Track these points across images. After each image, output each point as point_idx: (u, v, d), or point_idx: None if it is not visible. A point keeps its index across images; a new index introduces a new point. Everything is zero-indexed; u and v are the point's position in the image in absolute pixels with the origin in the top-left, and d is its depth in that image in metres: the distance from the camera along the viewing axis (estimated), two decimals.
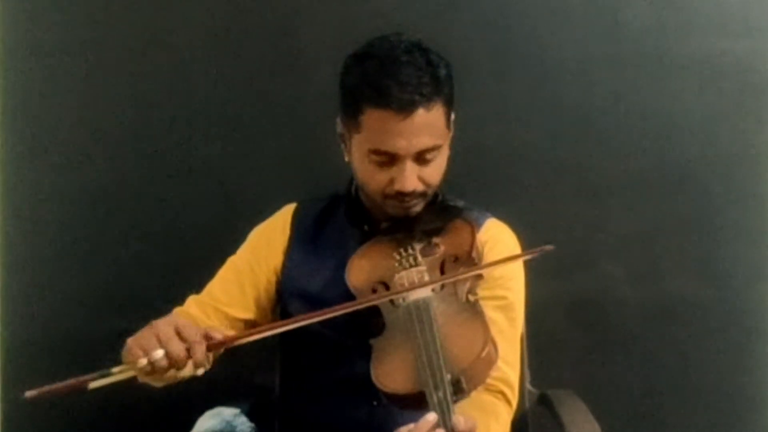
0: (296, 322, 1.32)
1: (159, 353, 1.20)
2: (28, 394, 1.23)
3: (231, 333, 1.37)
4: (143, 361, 1.20)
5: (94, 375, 1.23)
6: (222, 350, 1.28)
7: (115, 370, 1.24)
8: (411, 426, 1.16)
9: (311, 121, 2.03)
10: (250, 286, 1.55)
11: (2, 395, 2.16)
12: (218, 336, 1.26)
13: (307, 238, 1.56)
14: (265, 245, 1.58)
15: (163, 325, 1.23)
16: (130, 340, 1.26)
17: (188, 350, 1.21)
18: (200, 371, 1.24)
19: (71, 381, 1.23)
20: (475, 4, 2.07)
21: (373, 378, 1.25)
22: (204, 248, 2.04)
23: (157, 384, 1.35)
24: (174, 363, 1.21)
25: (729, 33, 2.05)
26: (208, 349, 1.23)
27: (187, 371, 1.25)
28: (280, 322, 1.32)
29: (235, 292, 1.54)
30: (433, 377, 1.17)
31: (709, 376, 2.09)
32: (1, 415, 2.16)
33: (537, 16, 2.07)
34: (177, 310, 1.54)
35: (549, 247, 1.33)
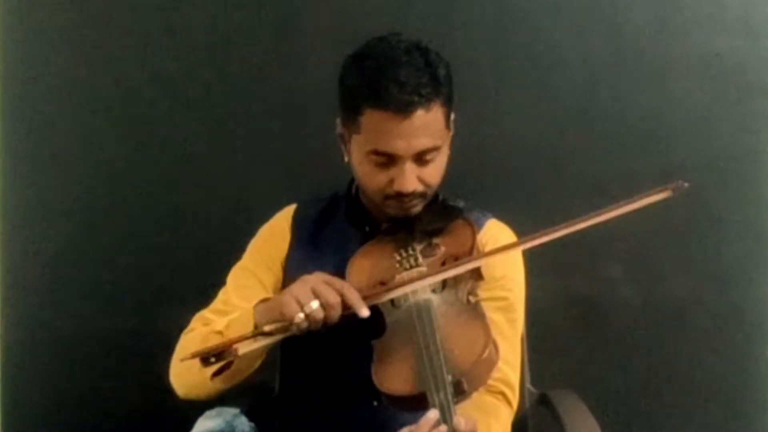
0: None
1: (315, 304, 1.26)
2: (182, 357, 1.30)
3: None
4: (301, 315, 1.25)
5: (245, 335, 1.28)
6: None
7: (267, 328, 1.28)
8: (412, 427, 1.17)
9: (311, 121, 2.03)
10: (269, 282, 1.54)
11: (2, 395, 2.16)
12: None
13: (307, 238, 1.56)
14: (272, 245, 1.58)
15: (311, 278, 1.30)
16: (281, 296, 1.30)
17: (342, 297, 1.27)
18: (364, 311, 1.28)
19: (223, 342, 1.28)
20: (474, 4, 2.06)
21: (374, 379, 1.25)
22: (204, 248, 2.05)
23: (236, 380, 1.39)
24: (330, 311, 1.27)
25: (729, 33, 2.05)
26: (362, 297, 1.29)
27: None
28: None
29: (257, 293, 1.51)
30: (434, 378, 1.18)
31: (709, 376, 2.09)
32: (1, 415, 2.16)
33: (537, 16, 2.07)
34: (188, 329, 1.51)
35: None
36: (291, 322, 1.26)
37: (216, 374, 1.37)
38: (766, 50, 2.05)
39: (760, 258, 2.08)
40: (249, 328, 1.31)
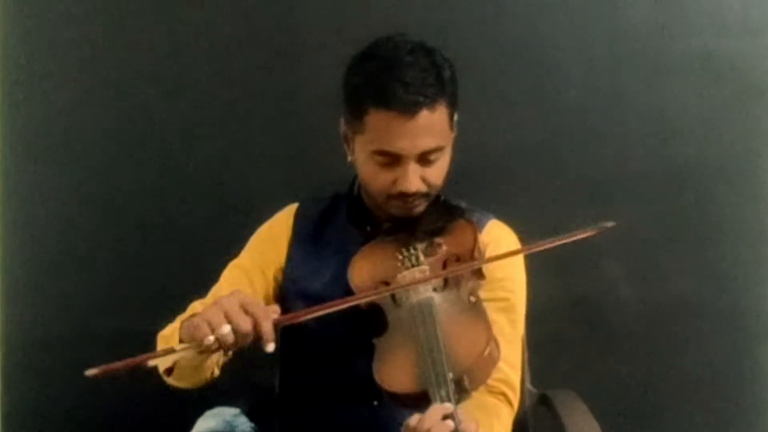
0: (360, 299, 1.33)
1: (226, 328, 1.21)
2: (89, 372, 1.22)
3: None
4: (211, 338, 1.21)
5: (157, 352, 1.27)
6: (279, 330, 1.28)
7: (178, 347, 1.25)
8: (416, 417, 1.16)
9: (312, 121, 2.03)
10: (260, 286, 1.54)
11: (2, 395, 2.16)
12: (277, 314, 1.26)
13: (308, 238, 1.56)
14: (270, 245, 1.58)
15: (229, 300, 1.24)
16: (195, 318, 1.26)
17: (255, 326, 1.22)
18: (270, 347, 1.23)
19: (132, 359, 1.24)
20: (475, 4, 2.07)
21: (376, 377, 1.25)
22: (204, 248, 2.05)
23: (186, 382, 1.39)
24: (241, 338, 1.22)
25: (729, 33, 2.05)
26: (274, 324, 1.24)
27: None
28: (342, 300, 1.32)
29: (247, 292, 1.52)
30: (435, 376, 1.17)
31: (709, 376, 2.09)
32: (1, 415, 2.16)
33: (537, 17, 2.07)
34: (182, 317, 1.52)
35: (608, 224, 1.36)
36: (201, 344, 1.22)
37: (168, 373, 1.38)
38: (766, 50, 2.06)
39: (760, 258, 2.08)
40: (176, 341, 1.31)
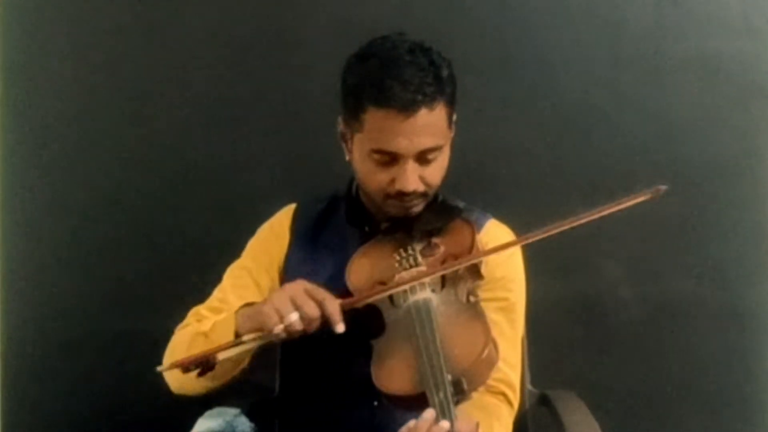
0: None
1: (294, 315, 1.25)
2: (160, 368, 1.30)
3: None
4: (280, 326, 1.25)
5: (225, 344, 1.28)
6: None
7: (246, 338, 1.28)
8: (411, 423, 1.16)
9: (311, 121, 2.03)
10: (265, 285, 1.54)
11: (2, 395, 2.16)
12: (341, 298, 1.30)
13: (306, 238, 1.56)
14: (271, 245, 1.58)
15: (293, 288, 1.29)
16: (262, 306, 1.30)
17: (321, 310, 1.26)
18: (340, 327, 1.27)
19: (203, 352, 1.28)
20: (475, 4, 2.07)
21: (374, 379, 1.25)
22: (204, 248, 2.05)
23: (221, 381, 1.39)
24: (308, 323, 1.26)
25: (729, 33, 2.05)
26: (340, 307, 1.28)
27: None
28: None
29: (252, 294, 1.52)
30: (433, 378, 1.18)
31: (709, 376, 2.09)
32: (1, 415, 2.16)
33: (537, 17, 2.07)
34: (183, 325, 1.52)
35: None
36: (270, 333, 1.26)
37: (201, 374, 1.37)
38: (766, 50, 2.05)
39: (760, 258, 2.08)
40: (230, 334, 1.32)
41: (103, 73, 2.12)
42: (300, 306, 1.26)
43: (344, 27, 2.02)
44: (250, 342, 1.29)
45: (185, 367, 1.29)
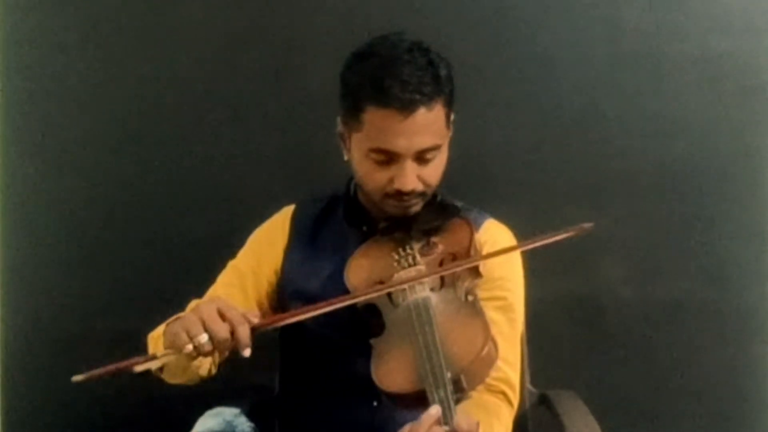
0: (329, 305, 1.32)
1: (204, 337, 1.22)
2: (75, 378, 1.23)
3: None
4: (189, 347, 1.22)
5: (140, 359, 1.26)
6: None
7: (159, 354, 1.27)
8: (414, 423, 1.16)
9: (311, 121, 2.03)
10: (252, 288, 1.55)
11: (2, 395, 2.16)
12: (256, 319, 1.27)
13: (305, 238, 1.56)
14: (266, 247, 1.58)
15: (206, 307, 1.25)
16: (174, 325, 1.28)
17: (232, 332, 1.23)
18: (246, 352, 1.25)
19: (118, 364, 1.24)
20: (475, 3, 2.07)
21: (374, 378, 1.25)
22: (204, 248, 2.04)
23: (179, 380, 1.40)
24: (218, 345, 1.23)
25: (729, 33, 2.05)
26: (252, 330, 1.25)
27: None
28: (314, 306, 1.33)
29: (238, 295, 1.53)
30: (433, 376, 1.17)
31: (709, 376, 2.09)
32: (1, 415, 2.16)
33: (537, 16, 2.07)
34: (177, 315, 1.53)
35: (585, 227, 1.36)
36: (180, 352, 1.24)
37: (160, 371, 1.39)
38: (766, 50, 2.05)
39: (760, 258, 2.08)
40: (161, 345, 1.33)
41: (102, 73, 2.12)
42: (209, 327, 1.22)
43: (344, 27, 2.02)
44: (163, 357, 1.26)
45: (100, 378, 1.24)
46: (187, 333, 1.22)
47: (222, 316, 1.23)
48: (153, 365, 1.27)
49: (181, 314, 1.47)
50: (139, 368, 1.25)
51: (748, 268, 2.08)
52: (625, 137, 2.07)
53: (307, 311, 1.32)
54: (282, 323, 1.33)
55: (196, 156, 2.11)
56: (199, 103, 2.11)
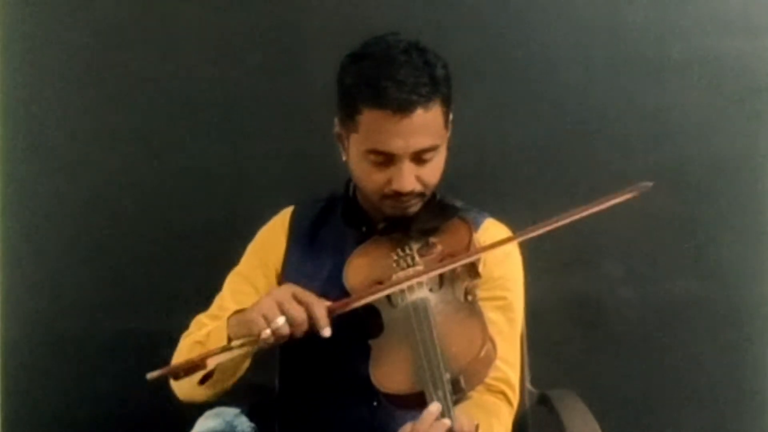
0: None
1: (281, 320, 1.25)
2: (150, 375, 1.26)
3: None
4: (267, 332, 1.25)
5: (215, 350, 1.28)
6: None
7: (235, 344, 1.28)
8: (415, 423, 1.16)
9: (311, 121, 2.03)
10: (263, 290, 1.53)
11: (2, 395, 2.16)
12: (329, 302, 1.30)
13: (304, 239, 1.56)
14: (268, 249, 1.58)
15: (280, 292, 1.29)
16: (247, 313, 1.30)
17: (308, 314, 1.26)
18: (326, 332, 1.27)
19: (191, 358, 1.28)
20: (473, 3, 2.07)
21: (373, 378, 1.25)
22: (204, 248, 2.05)
23: (222, 387, 1.41)
24: (296, 328, 1.26)
25: (729, 33, 2.05)
26: (328, 310, 1.28)
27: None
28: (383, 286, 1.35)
29: (251, 299, 1.49)
30: (431, 377, 1.18)
31: (709, 376, 2.09)
32: (1, 415, 2.17)
33: (536, 16, 2.07)
34: (187, 333, 1.52)
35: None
36: (258, 338, 1.26)
37: (202, 381, 1.38)
38: (766, 50, 2.05)
39: (760, 258, 2.08)
40: (223, 340, 1.32)
41: (102, 73, 2.12)
42: (287, 310, 1.26)
43: (344, 27, 2.02)
44: (239, 347, 1.28)
45: (175, 374, 1.29)
46: (265, 317, 1.25)
47: (297, 299, 1.27)
48: (228, 356, 1.29)
49: (205, 320, 1.49)
50: (212, 362, 1.28)
51: (748, 268, 2.08)
52: (625, 137, 2.07)
53: (378, 291, 1.33)
54: (356, 304, 1.33)
55: (195, 156, 2.11)
56: (199, 102, 2.11)
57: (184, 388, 1.41)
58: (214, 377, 1.38)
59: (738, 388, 2.09)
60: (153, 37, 2.11)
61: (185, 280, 2.03)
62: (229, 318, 1.36)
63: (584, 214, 1.37)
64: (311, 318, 1.27)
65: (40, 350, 2.15)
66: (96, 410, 2.11)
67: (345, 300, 1.34)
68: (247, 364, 1.42)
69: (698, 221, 2.07)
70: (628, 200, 1.39)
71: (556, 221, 1.37)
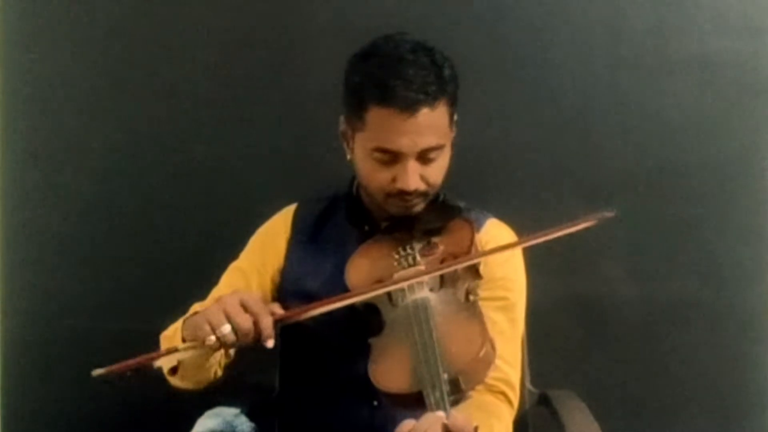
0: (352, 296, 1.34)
1: (227, 328, 1.24)
2: (96, 372, 1.26)
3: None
4: (212, 338, 1.24)
5: (161, 352, 1.29)
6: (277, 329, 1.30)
7: (180, 347, 1.28)
8: (412, 421, 1.16)
9: (311, 121, 2.03)
10: (257, 287, 1.55)
11: (2, 395, 2.16)
12: (279, 311, 1.29)
13: (307, 237, 1.56)
14: (268, 246, 1.58)
15: (229, 299, 1.27)
16: (196, 317, 1.29)
17: (255, 323, 1.25)
18: (270, 343, 1.27)
19: (138, 358, 1.27)
20: (476, 4, 2.07)
21: (372, 377, 1.25)
22: (204, 248, 2.05)
23: (189, 382, 1.41)
24: (241, 337, 1.25)
25: (729, 33, 2.05)
26: (275, 322, 1.27)
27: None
28: (340, 296, 1.34)
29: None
30: (430, 377, 1.17)
31: (709, 376, 2.09)
32: (1, 416, 2.17)
33: (537, 17, 2.07)
34: (184, 318, 1.53)
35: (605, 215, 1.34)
36: (203, 343, 1.25)
37: (172, 372, 1.40)
38: (766, 50, 2.05)
39: (760, 258, 2.07)
40: (178, 340, 1.33)
41: (102, 73, 2.12)
42: (232, 318, 1.25)
43: (344, 27, 2.02)
44: (183, 350, 1.28)
45: (121, 373, 1.27)
46: (210, 324, 1.24)
47: (245, 308, 1.26)
48: (173, 359, 1.29)
49: (198, 309, 1.48)
50: (158, 362, 1.28)
51: (748, 268, 2.07)
52: (624, 137, 2.07)
53: (330, 303, 1.33)
54: (304, 316, 1.33)
55: (196, 156, 2.11)
56: (200, 102, 2.11)
57: (169, 378, 1.43)
58: (180, 372, 1.39)
59: (738, 388, 2.09)
60: (153, 38, 2.11)
61: (185, 280, 2.02)
62: (185, 319, 1.37)
63: (550, 237, 1.36)
64: (257, 328, 1.26)
65: (40, 350, 2.15)
66: (96, 410, 2.11)
67: (295, 310, 1.34)
68: (217, 359, 1.42)
69: (698, 221, 2.07)
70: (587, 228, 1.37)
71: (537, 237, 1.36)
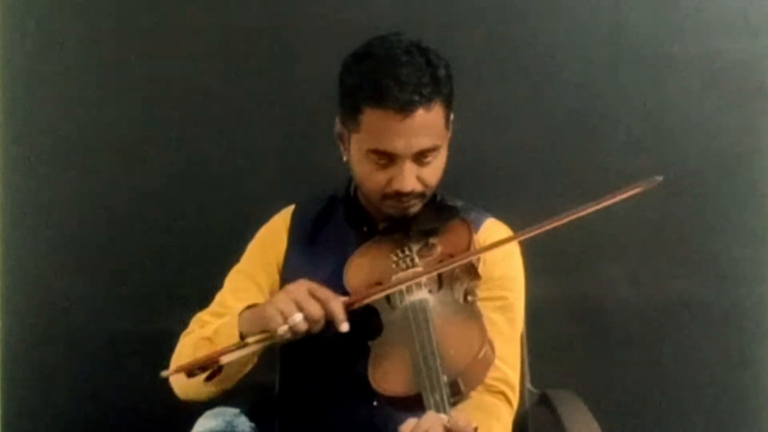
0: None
1: (298, 316, 1.26)
2: (165, 373, 1.30)
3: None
4: (284, 327, 1.26)
5: (229, 347, 1.29)
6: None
7: (250, 340, 1.29)
8: (414, 420, 1.16)
9: (311, 121, 2.03)
10: (266, 286, 1.55)
11: (2, 395, 2.16)
12: (344, 297, 1.31)
13: (305, 239, 1.56)
14: (269, 247, 1.58)
15: (296, 288, 1.30)
16: (260, 309, 1.31)
17: (325, 309, 1.27)
18: (344, 327, 1.28)
19: (207, 355, 1.29)
20: (474, 4, 2.06)
21: (371, 380, 1.25)
22: (204, 248, 2.06)
23: (227, 384, 1.41)
24: (312, 324, 1.27)
25: (729, 33, 2.04)
26: (344, 305, 1.29)
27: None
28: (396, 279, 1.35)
29: (253, 296, 1.52)
30: (429, 379, 1.17)
31: (709, 376, 2.09)
32: (1, 416, 2.17)
33: (537, 17, 2.07)
34: (187, 332, 1.52)
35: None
36: (274, 334, 1.27)
37: (209, 378, 1.38)
38: (766, 50, 2.05)
39: (760, 258, 2.07)
40: (235, 337, 1.33)
41: (103, 73, 2.12)
42: (303, 306, 1.27)
43: (344, 27, 2.02)
44: (254, 344, 1.29)
45: (189, 371, 1.29)
46: (282, 314, 1.26)
47: (313, 295, 1.28)
48: (243, 353, 1.30)
49: (207, 319, 1.49)
50: (226, 358, 1.28)
51: (748, 268, 2.07)
52: (624, 137, 2.07)
53: (395, 285, 1.33)
54: (371, 299, 1.34)
55: (195, 156, 2.12)
56: (200, 102, 2.11)
57: (189, 386, 1.40)
58: (222, 374, 1.38)
59: (738, 388, 2.09)
60: (153, 38, 2.11)
61: (185, 280, 2.03)
62: (240, 314, 1.36)
63: (592, 209, 1.36)
64: (328, 314, 1.28)
65: (40, 350, 2.15)
66: (96, 410, 2.11)
67: (361, 294, 1.35)
68: (254, 361, 1.42)
69: (698, 221, 2.07)
70: (637, 194, 1.37)
71: (558, 219, 1.37)
